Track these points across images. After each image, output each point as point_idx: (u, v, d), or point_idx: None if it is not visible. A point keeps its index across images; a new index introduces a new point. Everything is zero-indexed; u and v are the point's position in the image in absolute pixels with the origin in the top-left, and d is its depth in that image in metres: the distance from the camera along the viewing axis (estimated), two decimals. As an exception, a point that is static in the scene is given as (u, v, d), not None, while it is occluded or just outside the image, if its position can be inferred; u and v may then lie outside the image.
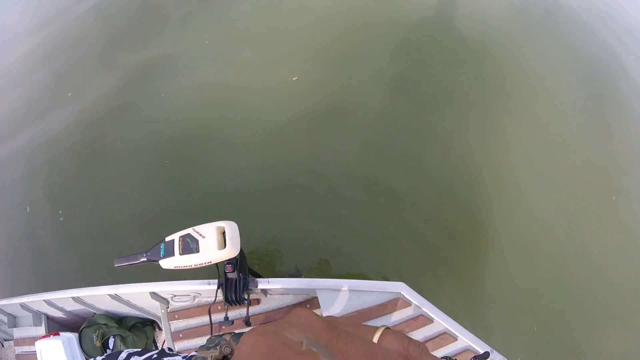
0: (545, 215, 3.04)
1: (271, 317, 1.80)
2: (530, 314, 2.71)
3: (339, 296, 1.62)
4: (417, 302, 1.55)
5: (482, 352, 1.54)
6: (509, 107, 3.55)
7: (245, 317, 1.55)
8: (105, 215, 3.19)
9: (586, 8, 4.88)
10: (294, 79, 3.52)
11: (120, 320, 2.18)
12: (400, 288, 1.56)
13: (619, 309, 2.84)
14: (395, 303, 1.58)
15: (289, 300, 1.80)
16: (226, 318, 1.56)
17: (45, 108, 3.88)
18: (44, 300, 2.09)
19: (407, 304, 1.58)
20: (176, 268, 1.36)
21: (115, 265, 1.43)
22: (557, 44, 4.31)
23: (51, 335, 2.11)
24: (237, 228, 1.34)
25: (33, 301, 2.15)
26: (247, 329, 1.80)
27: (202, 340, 1.81)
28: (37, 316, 2.29)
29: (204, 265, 1.32)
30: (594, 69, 4.21)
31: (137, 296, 1.88)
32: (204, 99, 3.52)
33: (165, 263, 1.37)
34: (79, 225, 3.19)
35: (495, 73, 3.74)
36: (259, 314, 1.81)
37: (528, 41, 4.16)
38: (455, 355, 1.57)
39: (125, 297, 1.90)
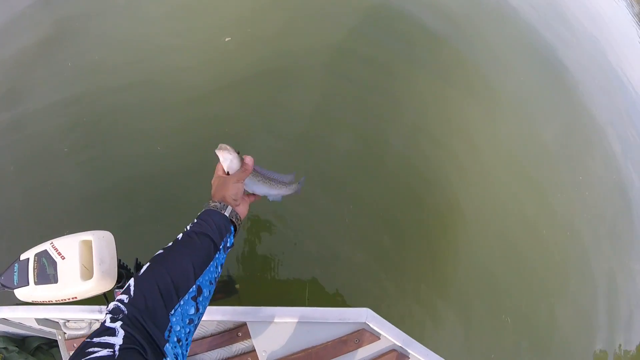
0: (512, 203, 2.75)
1: (191, 351, 1.37)
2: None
3: (278, 331, 1.21)
4: (387, 333, 1.16)
5: None
6: (472, 92, 3.12)
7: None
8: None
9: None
10: (226, 39, 2.92)
11: (22, 340, 1.78)
12: (364, 316, 1.15)
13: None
14: (358, 337, 1.17)
15: (213, 328, 1.36)
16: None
17: None
18: None
19: (375, 336, 1.18)
20: (34, 302, 0.95)
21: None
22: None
23: None
24: (113, 242, 0.92)
25: None
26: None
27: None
28: None
29: (68, 300, 0.91)
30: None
31: (28, 321, 1.46)
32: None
33: (21, 294, 0.96)
34: None
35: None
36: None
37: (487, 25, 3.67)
38: None
39: (16, 321, 1.49)
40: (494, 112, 3.07)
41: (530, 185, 2.84)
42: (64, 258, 0.89)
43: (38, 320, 1.36)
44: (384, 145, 2.61)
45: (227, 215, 0.75)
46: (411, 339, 1.14)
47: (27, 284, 0.93)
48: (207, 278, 0.66)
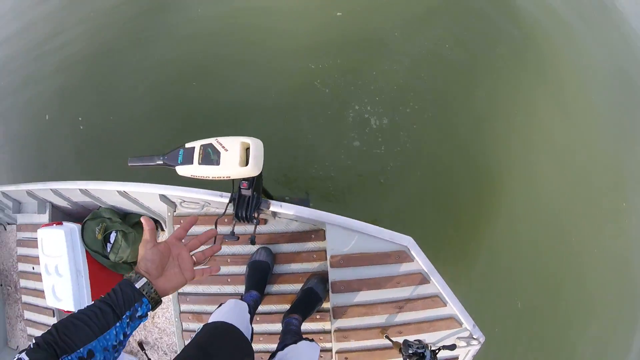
0: (551, 203, 3.02)
1: (274, 240, 1.83)
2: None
3: (347, 235, 1.62)
4: (420, 260, 1.58)
5: (465, 323, 1.63)
6: (543, 91, 3.33)
7: (251, 235, 1.56)
8: (123, 118, 3.26)
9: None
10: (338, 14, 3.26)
11: (124, 216, 2.20)
12: (407, 242, 1.57)
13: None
14: (398, 255, 1.59)
15: (294, 226, 1.82)
16: (232, 233, 1.57)
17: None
18: (50, 189, 2.08)
19: (410, 259, 1.60)
20: (192, 177, 1.34)
21: (129, 164, 1.40)
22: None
23: (54, 224, 2.13)
24: (262, 147, 1.29)
25: (40, 189, 2.15)
26: (250, 247, 1.82)
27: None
28: (42, 204, 2.30)
29: (221, 179, 1.29)
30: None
31: (146, 196, 1.88)
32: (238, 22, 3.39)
33: (182, 170, 1.34)
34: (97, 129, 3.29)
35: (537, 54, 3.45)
36: (264, 233, 1.83)
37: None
38: (439, 320, 1.62)
39: (133, 196, 1.90)
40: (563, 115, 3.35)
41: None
42: (227, 150, 1.26)
43: (160, 197, 1.75)
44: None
45: (138, 288, 0.77)
46: (435, 269, 1.56)
47: (192, 163, 1.32)
48: (102, 344, 0.70)
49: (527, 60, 3.36)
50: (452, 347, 1.36)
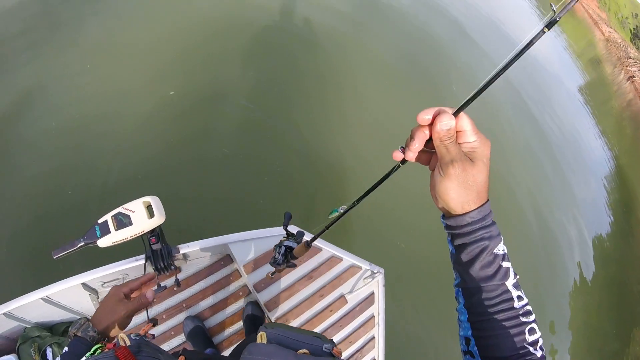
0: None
1: (195, 279, 2.18)
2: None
3: (250, 245, 2.11)
4: (307, 236, 2.13)
5: (362, 265, 2.24)
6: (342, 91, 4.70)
7: (175, 279, 1.92)
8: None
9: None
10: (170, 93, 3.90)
11: (50, 329, 2.27)
12: (292, 229, 2.12)
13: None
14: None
15: (205, 262, 2.21)
16: (159, 285, 1.91)
17: None
18: None
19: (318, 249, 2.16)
20: (114, 244, 1.68)
21: (54, 257, 1.65)
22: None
23: None
24: (159, 200, 1.73)
25: None
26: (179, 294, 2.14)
27: (139, 318, 2.10)
28: None
29: (138, 235, 1.67)
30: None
31: (68, 293, 2.02)
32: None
33: (103, 242, 1.66)
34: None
35: (327, 63, 4.80)
36: (186, 277, 2.19)
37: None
38: (343, 272, 2.22)
39: (56, 299, 2.06)
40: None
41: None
42: (134, 211, 1.67)
43: (83, 286, 1.98)
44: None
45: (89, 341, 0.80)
46: (323, 240, 2.13)
47: (109, 232, 1.68)
48: None
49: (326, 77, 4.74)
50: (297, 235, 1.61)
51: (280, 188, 3.74)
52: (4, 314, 2.00)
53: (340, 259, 2.21)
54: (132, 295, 1.01)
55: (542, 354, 0.57)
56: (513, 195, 5.52)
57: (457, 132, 0.58)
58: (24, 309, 2.08)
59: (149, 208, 1.71)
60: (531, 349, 0.57)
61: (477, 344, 0.60)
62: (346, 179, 4.02)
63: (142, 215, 1.66)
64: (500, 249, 0.59)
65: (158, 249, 1.88)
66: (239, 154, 3.80)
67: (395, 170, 0.74)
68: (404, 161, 0.66)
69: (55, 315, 2.19)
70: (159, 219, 1.68)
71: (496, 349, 0.58)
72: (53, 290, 1.97)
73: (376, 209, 3.83)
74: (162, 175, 3.47)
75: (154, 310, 2.11)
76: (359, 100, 4.93)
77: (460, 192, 0.57)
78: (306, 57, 5.01)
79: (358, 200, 0.96)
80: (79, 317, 2.31)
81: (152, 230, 1.79)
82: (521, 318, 0.58)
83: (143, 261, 1.91)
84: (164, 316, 2.14)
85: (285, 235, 1.55)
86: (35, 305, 2.05)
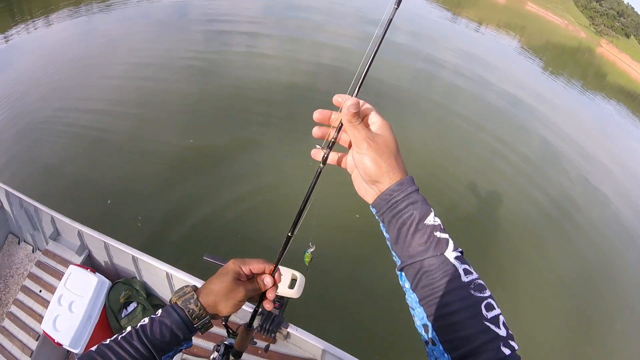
0: None
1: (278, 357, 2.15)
2: None
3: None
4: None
5: None
6: None
7: (267, 346, 1.90)
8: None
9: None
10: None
11: (148, 294, 2.51)
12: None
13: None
14: None
15: (297, 352, 2.17)
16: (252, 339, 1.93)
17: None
18: (104, 242, 2.43)
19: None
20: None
21: (204, 258, 1.86)
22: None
23: (88, 269, 2.40)
24: (305, 280, 1.80)
25: (92, 236, 2.49)
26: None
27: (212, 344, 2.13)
28: (83, 248, 2.63)
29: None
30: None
31: (184, 283, 2.25)
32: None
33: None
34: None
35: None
36: (273, 351, 2.16)
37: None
38: None
39: (174, 281, 2.28)
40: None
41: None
42: (282, 275, 1.77)
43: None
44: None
45: (195, 327, 0.73)
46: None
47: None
48: None
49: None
50: None
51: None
52: (133, 256, 2.28)
53: None
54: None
55: (509, 332, 0.53)
56: None
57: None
58: (147, 267, 2.34)
59: (293, 281, 1.79)
60: (492, 326, 0.53)
61: (435, 328, 0.57)
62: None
63: (285, 282, 1.75)
64: (431, 219, 0.60)
65: (275, 314, 1.94)
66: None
67: (319, 174, 0.70)
68: (324, 161, 0.69)
69: (161, 289, 2.39)
70: (294, 294, 1.76)
71: (454, 329, 0.55)
72: (178, 275, 2.17)
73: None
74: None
75: None
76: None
77: (379, 159, 0.62)
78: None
79: (292, 229, 0.76)
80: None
81: (282, 298, 1.86)
82: (472, 292, 0.56)
83: (252, 309, 1.97)
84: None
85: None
86: (156, 272, 2.30)
